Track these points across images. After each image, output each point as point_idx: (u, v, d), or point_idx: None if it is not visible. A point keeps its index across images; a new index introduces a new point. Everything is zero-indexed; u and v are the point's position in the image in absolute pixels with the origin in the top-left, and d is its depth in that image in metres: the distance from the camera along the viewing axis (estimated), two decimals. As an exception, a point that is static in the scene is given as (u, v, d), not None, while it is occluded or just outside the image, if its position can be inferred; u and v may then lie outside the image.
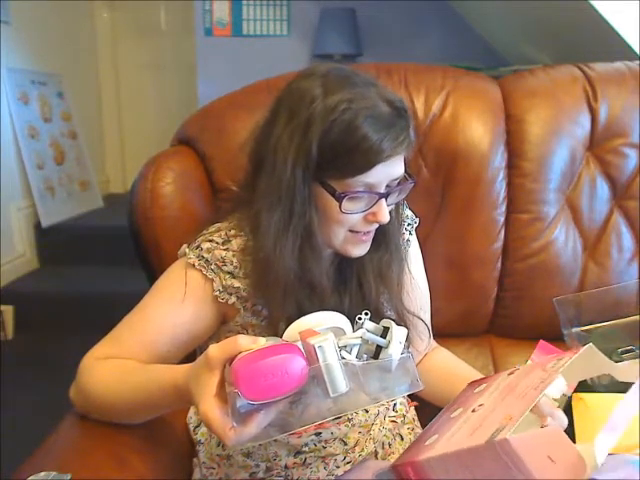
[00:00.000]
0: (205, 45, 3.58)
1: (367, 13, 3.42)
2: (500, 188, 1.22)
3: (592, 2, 2.05)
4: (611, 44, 2.12)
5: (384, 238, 0.93)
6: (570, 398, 1.06)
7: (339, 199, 0.81)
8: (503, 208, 1.23)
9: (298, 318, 0.74)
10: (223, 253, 0.89)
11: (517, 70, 1.73)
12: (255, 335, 0.70)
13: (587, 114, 1.24)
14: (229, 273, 0.89)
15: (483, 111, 1.23)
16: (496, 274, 1.24)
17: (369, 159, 0.79)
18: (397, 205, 0.94)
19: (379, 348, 0.71)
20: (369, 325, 0.72)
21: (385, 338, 0.71)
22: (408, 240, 1.03)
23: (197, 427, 1.02)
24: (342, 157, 0.79)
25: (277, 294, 0.86)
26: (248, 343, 0.65)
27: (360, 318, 0.72)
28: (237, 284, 0.89)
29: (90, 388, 0.86)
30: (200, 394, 0.66)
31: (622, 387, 1.01)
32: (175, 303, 0.89)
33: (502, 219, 1.23)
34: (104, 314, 1.34)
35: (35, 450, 0.85)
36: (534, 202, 1.23)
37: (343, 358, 0.66)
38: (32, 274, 3.16)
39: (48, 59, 3.56)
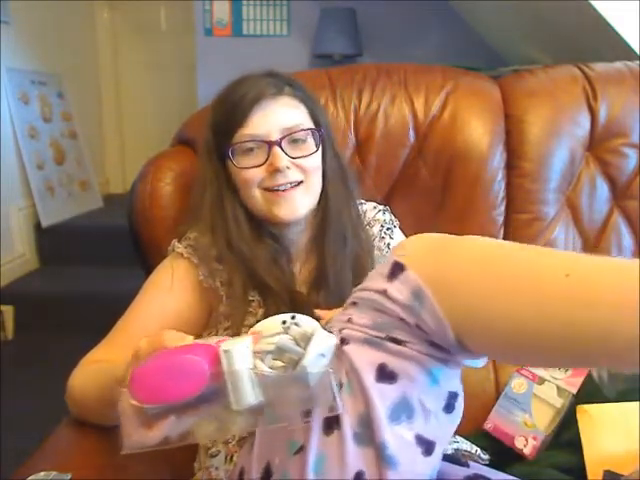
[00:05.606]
0: (205, 45, 3.57)
1: (367, 13, 3.41)
2: (499, 188, 1.22)
3: (592, 2, 2.04)
4: (611, 44, 2.12)
5: (339, 227, 0.96)
6: (575, 410, 1.06)
7: (229, 155, 0.90)
8: (502, 208, 1.23)
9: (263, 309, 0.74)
10: (210, 237, 0.93)
11: (517, 70, 1.73)
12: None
13: (587, 114, 1.24)
14: (214, 257, 0.92)
15: (482, 111, 1.23)
16: (496, 274, 1.24)
17: (238, 110, 0.89)
18: (350, 194, 0.99)
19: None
20: (295, 331, 0.61)
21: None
22: (389, 244, 1.02)
23: (197, 428, 1.02)
24: (223, 123, 0.91)
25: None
26: (174, 339, 0.61)
27: (285, 322, 0.61)
28: (221, 267, 0.92)
29: (73, 391, 0.88)
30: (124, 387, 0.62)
31: (635, 395, 1.01)
32: (163, 292, 0.92)
33: (501, 219, 1.23)
34: (104, 314, 1.34)
35: (35, 450, 0.85)
36: (533, 202, 1.23)
37: (256, 367, 0.58)
38: (32, 274, 3.16)
39: (48, 59, 3.55)
